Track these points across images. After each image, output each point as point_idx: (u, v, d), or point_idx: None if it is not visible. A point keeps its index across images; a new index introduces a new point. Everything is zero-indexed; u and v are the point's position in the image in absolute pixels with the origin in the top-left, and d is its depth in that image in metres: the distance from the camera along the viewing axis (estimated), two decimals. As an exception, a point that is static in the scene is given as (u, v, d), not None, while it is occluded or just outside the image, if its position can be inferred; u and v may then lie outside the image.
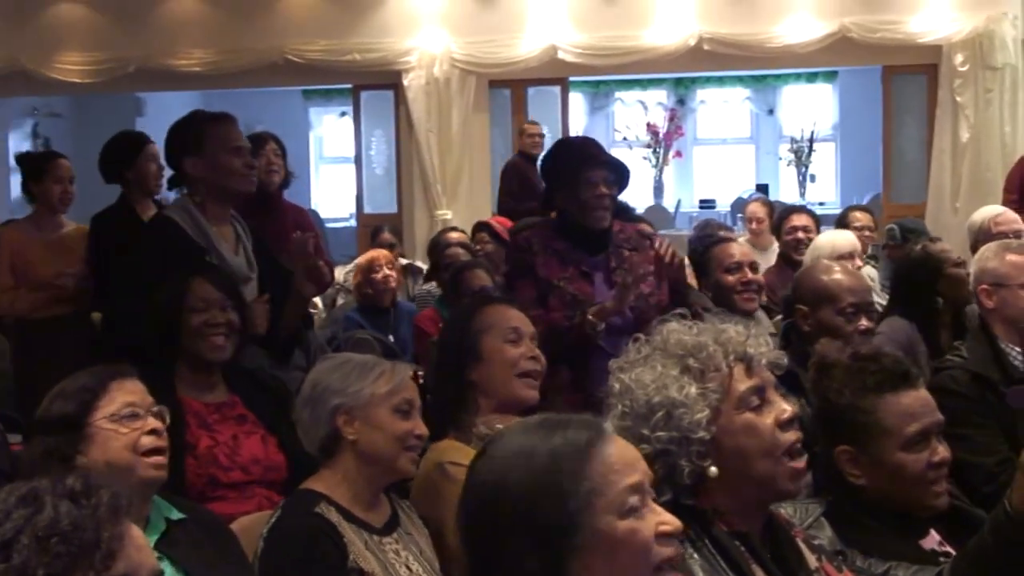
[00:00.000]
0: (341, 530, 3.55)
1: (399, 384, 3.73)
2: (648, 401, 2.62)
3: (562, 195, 5.61)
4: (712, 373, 2.66)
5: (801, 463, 2.71)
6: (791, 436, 2.69)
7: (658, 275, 5.64)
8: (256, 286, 5.31)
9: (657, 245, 5.70)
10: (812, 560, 2.75)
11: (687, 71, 16.95)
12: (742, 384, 2.68)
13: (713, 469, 2.63)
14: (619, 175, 5.64)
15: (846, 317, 4.97)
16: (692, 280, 7.17)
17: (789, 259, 8.15)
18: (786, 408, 2.70)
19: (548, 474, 2.22)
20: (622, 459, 2.25)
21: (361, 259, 8.80)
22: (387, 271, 8.50)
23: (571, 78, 14.75)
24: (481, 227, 9.75)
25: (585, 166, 5.52)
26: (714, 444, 2.63)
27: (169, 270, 4.71)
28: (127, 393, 3.52)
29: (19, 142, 15.62)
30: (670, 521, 2.23)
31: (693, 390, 2.63)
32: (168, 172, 5.51)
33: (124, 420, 3.48)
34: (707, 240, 7.69)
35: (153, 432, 3.51)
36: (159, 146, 6.51)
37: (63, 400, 3.48)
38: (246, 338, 4.73)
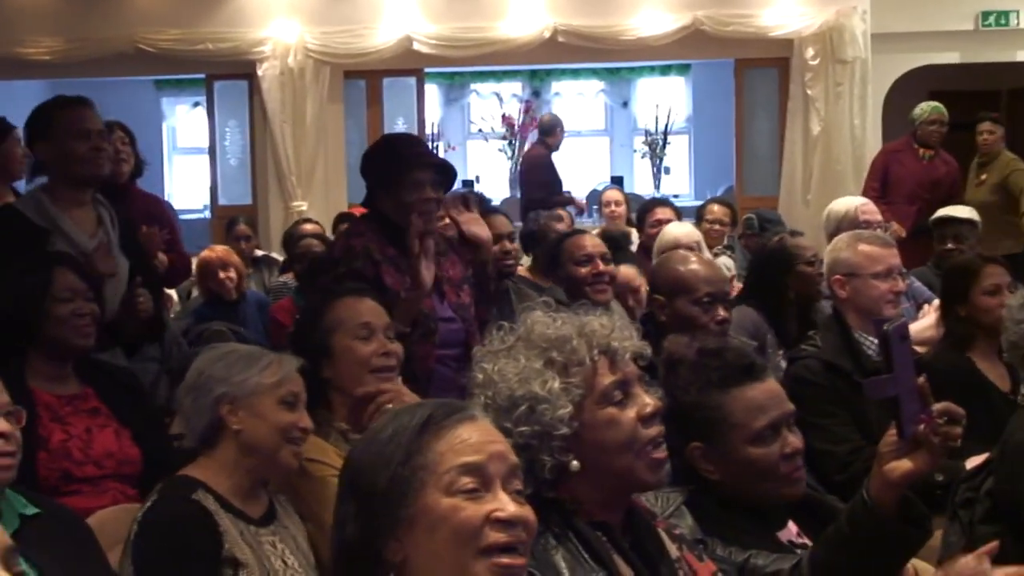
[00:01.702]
0: (217, 518, 3.52)
1: (286, 376, 3.71)
2: (511, 395, 2.60)
3: (384, 196, 5.24)
4: (575, 368, 2.65)
5: (662, 453, 2.71)
6: (653, 431, 2.69)
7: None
8: (126, 276, 5.26)
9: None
10: (673, 549, 2.76)
11: (542, 63, 16.98)
12: (605, 378, 2.67)
13: (575, 463, 2.62)
14: (445, 176, 5.34)
15: (702, 307, 5.00)
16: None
17: (651, 252, 8.15)
18: (648, 402, 2.69)
19: (383, 444, 2.26)
20: (466, 441, 2.25)
21: (197, 261, 8.64)
22: (221, 275, 8.39)
23: (426, 69, 14.70)
24: (343, 218, 9.70)
25: (411, 167, 5.19)
26: (575, 438, 2.62)
27: (12, 258, 4.63)
28: None
29: None
30: (505, 508, 2.21)
31: (556, 385, 2.61)
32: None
33: None
34: (544, 231, 7.75)
35: (1, 435, 3.44)
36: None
37: None
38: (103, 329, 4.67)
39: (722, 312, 5.02)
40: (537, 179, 13.39)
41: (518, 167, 14.38)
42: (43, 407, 4.30)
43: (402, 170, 5.18)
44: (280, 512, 3.77)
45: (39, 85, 15.53)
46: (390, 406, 3.83)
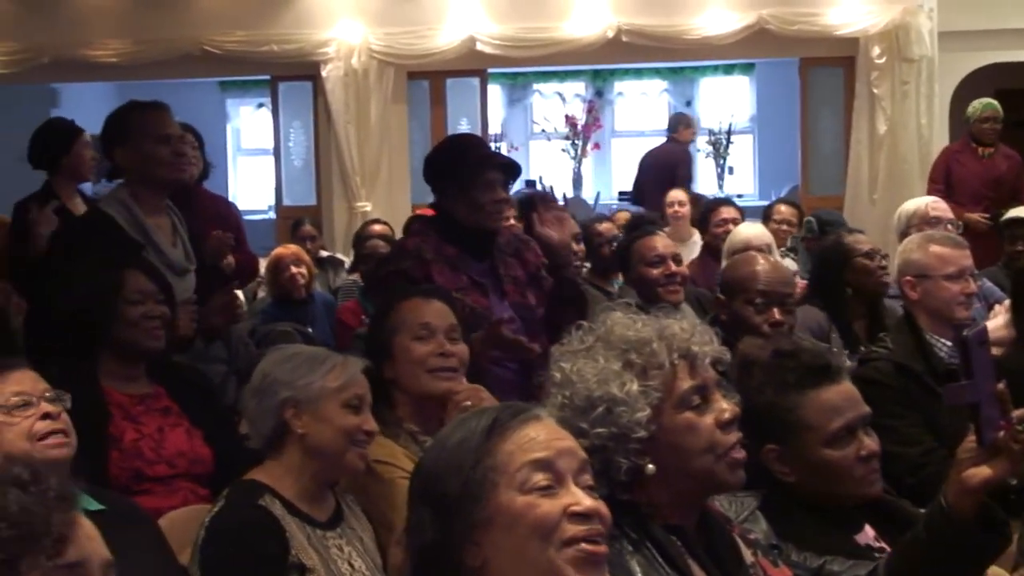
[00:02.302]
0: (284, 523, 3.52)
1: (350, 379, 3.69)
2: (588, 395, 2.59)
3: (451, 196, 5.21)
4: (654, 371, 2.63)
5: (740, 453, 2.69)
6: (731, 437, 2.67)
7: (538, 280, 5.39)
8: (195, 277, 5.30)
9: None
10: (748, 555, 2.75)
11: (605, 63, 16.94)
12: (684, 383, 2.66)
13: (651, 467, 2.61)
14: (511, 175, 5.35)
15: (755, 308, 4.99)
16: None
17: (715, 252, 8.10)
18: (726, 408, 2.68)
19: (452, 450, 2.28)
20: (534, 439, 2.27)
21: (269, 257, 8.73)
22: (293, 270, 8.43)
23: (489, 70, 14.69)
24: (415, 220, 9.70)
25: (481, 167, 5.20)
26: (652, 441, 2.61)
27: (106, 260, 4.67)
28: (14, 383, 3.51)
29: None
30: (581, 501, 2.23)
31: (634, 387, 2.60)
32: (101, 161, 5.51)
33: (15, 410, 3.46)
34: (589, 235, 7.72)
35: (47, 416, 3.48)
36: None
37: None
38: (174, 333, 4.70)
39: (777, 315, 5.00)
40: (684, 174, 13.66)
41: (642, 163, 14.46)
42: (115, 406, 4.33)
43: (475, 172, 5.17)
44: (347, 514, 3.77)
45: (106, 87, 15.69)
46: (468, 403, 3.84)
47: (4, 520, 1.92)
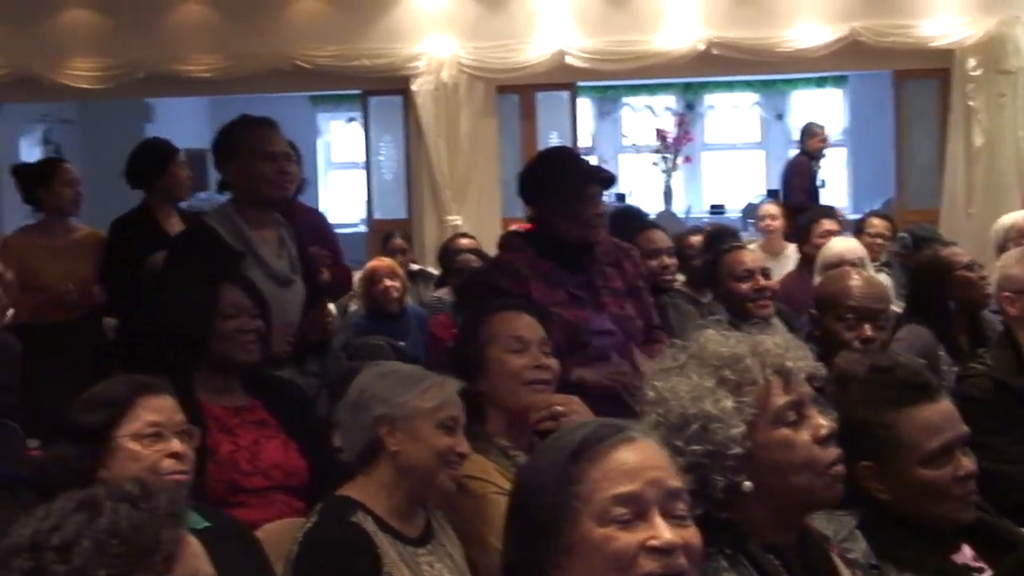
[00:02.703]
0: (376, 540, 3.52)
1: (446, 400, 3.68)
2: (683, 413, 2.57)
3: (553, 209, 5.20)
4: (748, 387, 2.61)
5: (840, 469, 2.65)
6: (830, 453, 2.64)
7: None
8: (302, 289, 5.39)
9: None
10: (847, 575, 2.71)
11: (696, 76, 16.88)
12: (779, 399, 2.63)
13: (747, 484, 2.58)
14: (606, 187, 5.39)
15: (846, 324, 4.94)
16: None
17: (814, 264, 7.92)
18: (823, 424, 2.65)
19: (542, 470, 2.27)
20: (621, 467, 2.23)
21: (364, 270, 8.78)
22: (387, 282, 8.46)
23: (579, 83, 14.66)
24: (513, 235, 9.67)
25: (587, 182, 5.23)
26: (749, 458, 2.58)
27: (203, 275, 4.71)
28: (153, 411, 3.49)
29: (30, 148, 15.57)
30: (660, 535, 2.18)
31: (729, 404, 2.58)
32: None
33: (147, 440, 3.45)
34: (681, 247, 7.67)
35: (175, 455, 3.47)
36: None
37: (88, 411, 3.47)
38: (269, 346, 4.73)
39: (869, 331, 4.94)
40: (798, 184, 13.85)
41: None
42: (212, 419, 4.35)
43: (579, 185, 5.18)
44: (437, 530, 3.75)
45: (199, 102, 15.86)
46: (560, 408, 3.83)
47: (115, 536, 1.93)
